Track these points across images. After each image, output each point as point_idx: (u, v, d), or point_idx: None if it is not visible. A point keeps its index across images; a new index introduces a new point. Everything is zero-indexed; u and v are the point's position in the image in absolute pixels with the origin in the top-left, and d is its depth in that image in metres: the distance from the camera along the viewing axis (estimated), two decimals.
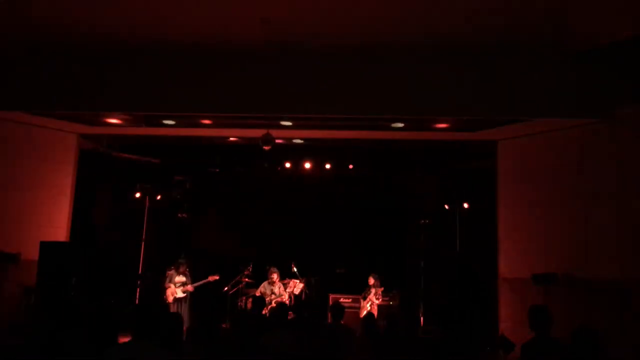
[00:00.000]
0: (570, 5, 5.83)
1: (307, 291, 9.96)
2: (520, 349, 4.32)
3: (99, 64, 7.25)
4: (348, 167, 11.01)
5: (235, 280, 9.86)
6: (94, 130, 8.58)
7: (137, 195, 10.61)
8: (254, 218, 11.40)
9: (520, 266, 7.78)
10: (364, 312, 9.38)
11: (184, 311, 8.77)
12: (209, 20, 6.31)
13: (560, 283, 7.12)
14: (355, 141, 9.28)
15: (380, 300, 9.47)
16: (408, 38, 6.55)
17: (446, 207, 10.61)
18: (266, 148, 7.68)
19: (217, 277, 9.29)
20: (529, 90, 6.97)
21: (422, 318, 10.24)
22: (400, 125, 7.89)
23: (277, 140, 7.82)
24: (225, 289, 9.76)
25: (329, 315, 5.70)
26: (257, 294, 9.10)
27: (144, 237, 10.56)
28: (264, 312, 8.23)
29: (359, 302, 9.65)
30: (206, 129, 8.48)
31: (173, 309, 8.75)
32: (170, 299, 8.87)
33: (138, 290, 10.17)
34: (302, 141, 9.40)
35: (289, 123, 7.87)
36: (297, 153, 10.64)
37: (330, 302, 9.49)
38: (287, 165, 10.90)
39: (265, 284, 9.40)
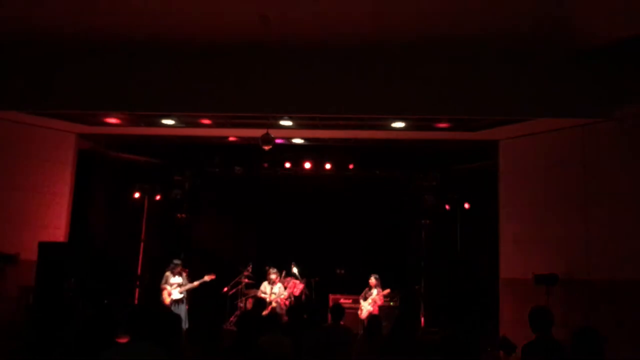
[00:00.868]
0: (571, 5, 5.81)
1: (306, 292, 9.94)
2: (521, 350, 4.31)
3: (97, 62, 7.20)
4: (348, 167, 11.00)
5: (235, 281, 9.83)
6: (92, 130, 8.54)
7: (136, 195, 10.58)
8: (253, 218, 11.39)
9: (521, 267, 7.75)
10: (365, 313, 9.37)
11: (182, 312, 8.75)
12: (208, 20, 6.29)
13: (561, 284, 7.10)
14: (355, 141, 9.27)
15: (383, 301, 9.45)
16: (408, 38, 6.54)
17: (446, 207, 10.60)
18: (266, 148, 7.66)
19: (213, 277, 9.26)
20: (529, 90, 6.96)
21: (422, 319, 10.23)
22: (401, 125, 7.89)
23: (277, 140, 7.80)
24: (225, 289, 9.73)
25: (329, 316, 5.68)
26: (259, 294, 9.09)
27: (142, 237, 10.54)
28: (264, 312, 8.21)
29: (358, 302, 9.64)
30: (205, 128, 8.45)
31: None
32: (168, 300, 8.85)
33: (137, 290, 10.15)
34: (302, 141, 9.39)
35: (289, 123, 7.86)
36: (297, 153, 10.64)
37: (330, 303, 9.47)
38: (287, 165, 10.89)
39: (265, 283, 9.40)
